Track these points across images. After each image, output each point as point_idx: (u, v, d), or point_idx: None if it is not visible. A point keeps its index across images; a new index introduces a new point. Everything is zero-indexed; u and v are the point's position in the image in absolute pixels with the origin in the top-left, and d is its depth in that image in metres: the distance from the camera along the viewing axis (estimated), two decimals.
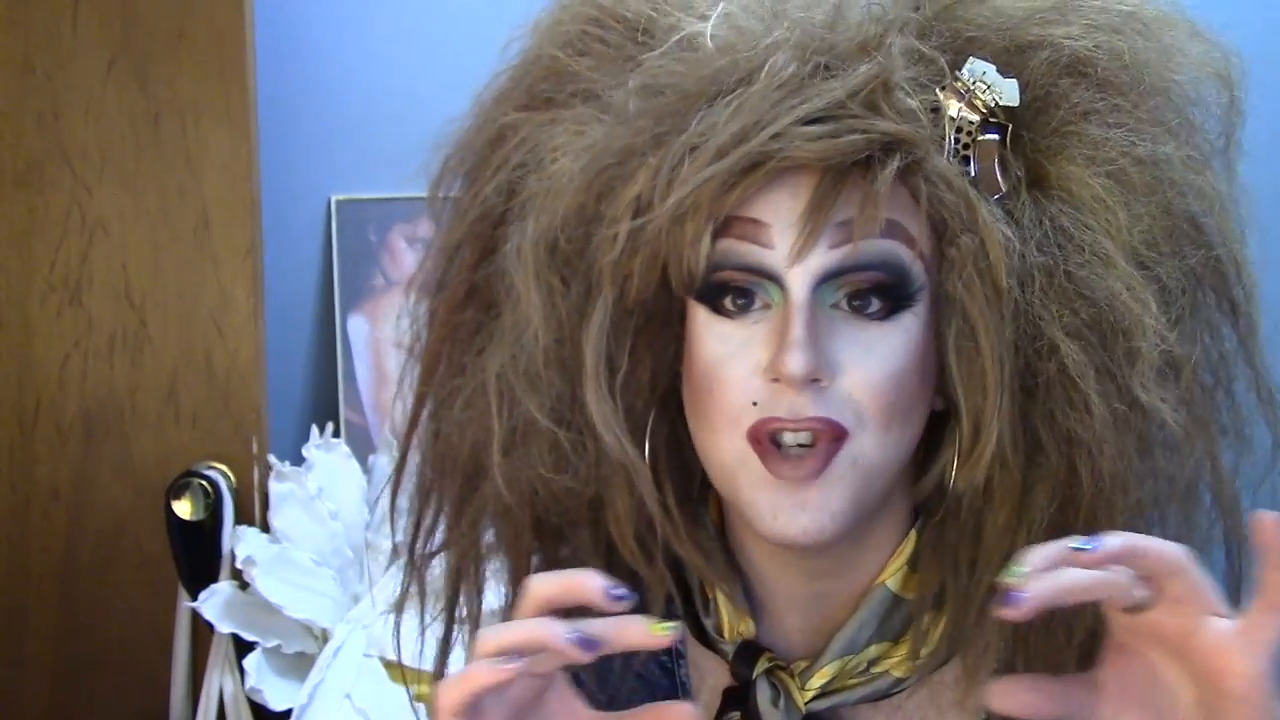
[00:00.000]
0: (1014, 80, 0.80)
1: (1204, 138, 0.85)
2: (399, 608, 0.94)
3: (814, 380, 0.78)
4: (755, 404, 0.79)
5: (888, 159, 0.77)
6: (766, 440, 0.80)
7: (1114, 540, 0.69)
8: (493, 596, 0.94)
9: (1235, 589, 0.83)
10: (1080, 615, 0.80)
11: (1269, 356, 0.87)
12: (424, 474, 0.92)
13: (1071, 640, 0.82)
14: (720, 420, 0.81)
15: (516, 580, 0.91)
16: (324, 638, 1.73)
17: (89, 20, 1.83)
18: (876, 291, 0.79)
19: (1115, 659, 0.73)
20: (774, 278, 0.79)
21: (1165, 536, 0.78)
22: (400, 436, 0.94)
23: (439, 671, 0.93)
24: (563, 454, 0.84)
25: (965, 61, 0.81)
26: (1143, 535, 0.71)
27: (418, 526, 0.93)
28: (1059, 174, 0.81)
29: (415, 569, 0.94)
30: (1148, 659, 0.72)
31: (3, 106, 1.81)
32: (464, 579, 0.93)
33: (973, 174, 0.80)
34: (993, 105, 0.80)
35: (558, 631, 0.70)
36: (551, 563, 0.90)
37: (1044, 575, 0.67)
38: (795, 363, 0.77)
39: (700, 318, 0.82)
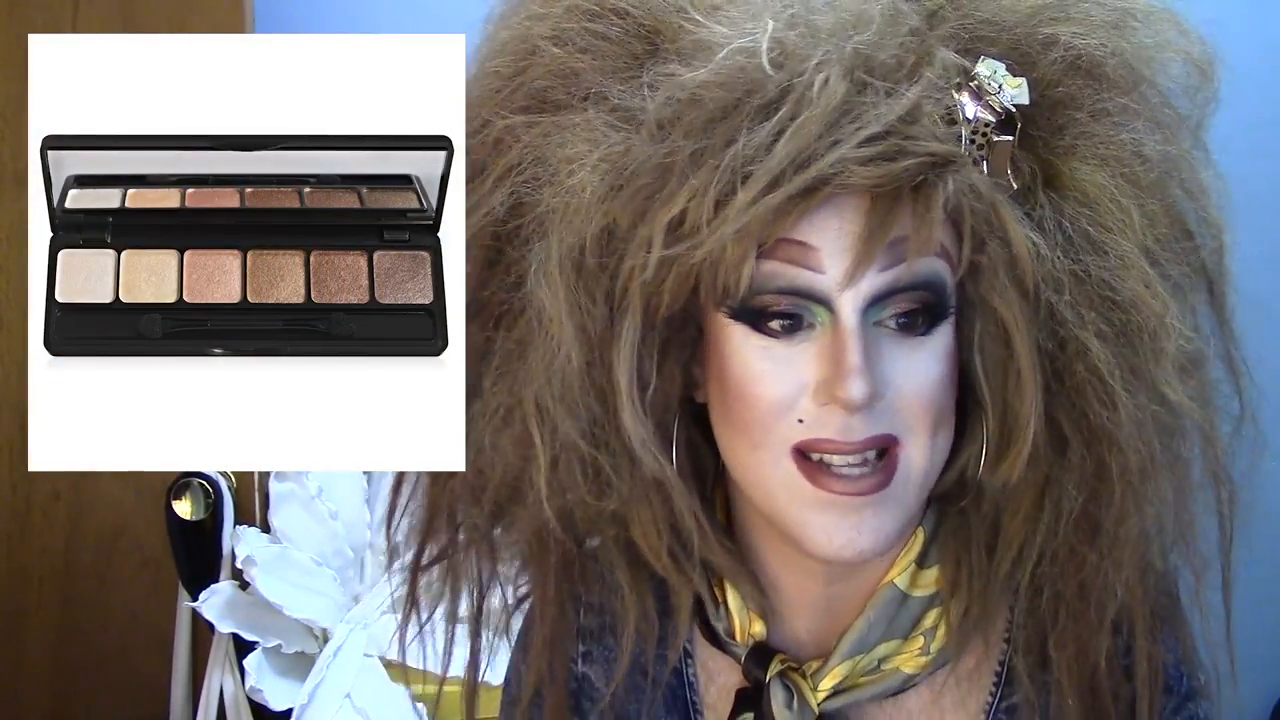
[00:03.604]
0: (1024, 79, 0.79)
1: (1189, 129, 0.84)
2: (404, 618, 0.94)
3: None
4: (801, 421, 0.78)
5: (939, 179, 0.75)
6: (814, 457, 0.78)
7: None
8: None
9: (1226, 556, 0.85)
10: (1112, 592, 0.81)
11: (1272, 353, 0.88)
12: (439, 497, 0.91)
13: (1103, 620, 0.82)
14: (761, 435, 0.79)
15: (541, 590, 0.91)
16: (324, 638, 1.72)
17: (89, 20, 1.83)
18: (923, 311, 0.78)
19: None
20: (824, 301, 0.77)
21: (1165, 511, 0.82)
22: None
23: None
24: (604, 477, 0.82)
25: (976, 60, 0.79)
26: None
27: (422, 548, 0.92)
28: (1073, 175, 0.80)
29: (415, 581, 0.93)
30: None
31: (2, 107, 1.81)
32: (474, 586, 0.93)
33: (985, 173, 0.78)
34: (1008, 106, 0.78)
35: None
36: (575, 557, 0.91)
37: None
38: (857, 389, 0.75)
39: (738, 333, 0.79)
